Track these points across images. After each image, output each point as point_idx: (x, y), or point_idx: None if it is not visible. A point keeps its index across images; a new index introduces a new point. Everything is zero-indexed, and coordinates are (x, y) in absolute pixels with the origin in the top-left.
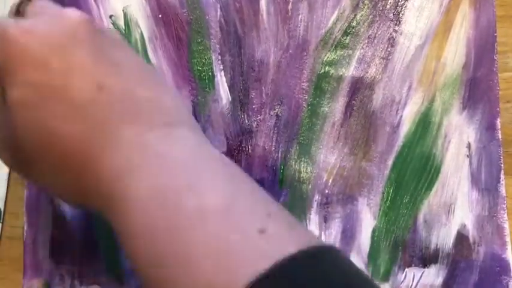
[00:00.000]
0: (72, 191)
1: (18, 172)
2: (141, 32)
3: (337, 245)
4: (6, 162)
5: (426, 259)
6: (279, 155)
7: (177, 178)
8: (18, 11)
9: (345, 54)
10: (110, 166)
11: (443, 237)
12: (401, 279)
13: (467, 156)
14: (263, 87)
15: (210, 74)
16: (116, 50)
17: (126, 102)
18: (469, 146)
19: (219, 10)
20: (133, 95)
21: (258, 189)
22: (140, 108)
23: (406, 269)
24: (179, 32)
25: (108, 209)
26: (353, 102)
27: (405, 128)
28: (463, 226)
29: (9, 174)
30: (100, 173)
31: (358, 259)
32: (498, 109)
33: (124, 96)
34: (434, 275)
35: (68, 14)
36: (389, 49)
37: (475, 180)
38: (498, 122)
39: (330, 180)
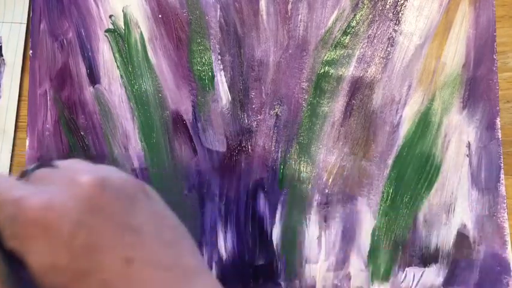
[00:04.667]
0: None
1: None
2: (141, 32)
3: (337, 244)
4: None
5: (426, 259)
6: (279, 154)
7: None
8: (24, 174)
9: (345, 54)
10: None
11: (444, 237)
12: (402, 279)
13: (467, 155)
14: (263, 87)
15: (210, 74)
16: (135, 209)
17: (155, 273)
18: (469, 146)
19: (219, 10)
20: (160, 263)
21: None
22: (167, 276)
23: (407, 269)
24: (179, 32)
25: None
26: (353, 101)
27: (405, 128)
28: (463, 226)
29: (9, 174)
30: None
31: (358, 259)
32: (498, 108)
33: (151, 266)
34: (434, 274)
35: (80, 181)
36: (389, 49)
37: (475, 179)
38: (498, 121)
39: (330, 180)
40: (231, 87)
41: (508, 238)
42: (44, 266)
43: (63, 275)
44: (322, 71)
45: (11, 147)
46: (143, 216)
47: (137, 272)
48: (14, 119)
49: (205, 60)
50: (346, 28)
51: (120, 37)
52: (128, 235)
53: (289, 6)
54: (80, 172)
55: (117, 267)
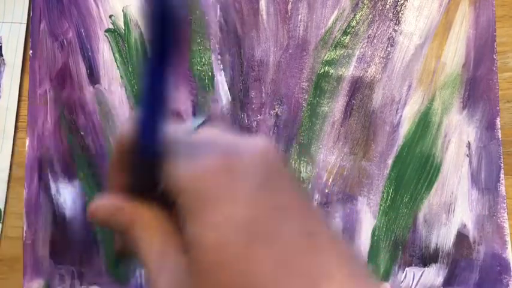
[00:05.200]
0: None
1: None
2: (141, 32)
3: None
4: None
5: (426, 258)
6: None
7: None
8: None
9: (345, 54)
10: None
11: (444, 237)
12: (402, 279)
13: (467, 155)
14: (263, 87)
15: (210, 73)
16: (301, 185)
17: (332, 247)
18: (469, 146)
19: (218, 10)
20: (337, 241)
21: None
22: (340, 247)
23: (406, 269)
24: None
25: None
26: (353, 101)
27: (405, 128)
28: (463, 225)
29: (9, 174)
30: None
31: None
32: (498, 108)
33: (330, 241)
34: (434, 274)
35: (263, 143)
36: (389, 49)
37: (475, 179)
38: (498, 121)
39: (330, 180)
40: (231, 87)
41: (508, 238)
42: (215, 233)
43: (239, 236)
44: (322, 71)
45: (11, 147)
46: (304, 188)
47: (318, 244)
48: (14, 119)
49: (205, 60)
50: (346, 28)
51: (120, 37)
52: (307, 206)
53: (289, 6)
54: (259, 138)
55: (299, 237)
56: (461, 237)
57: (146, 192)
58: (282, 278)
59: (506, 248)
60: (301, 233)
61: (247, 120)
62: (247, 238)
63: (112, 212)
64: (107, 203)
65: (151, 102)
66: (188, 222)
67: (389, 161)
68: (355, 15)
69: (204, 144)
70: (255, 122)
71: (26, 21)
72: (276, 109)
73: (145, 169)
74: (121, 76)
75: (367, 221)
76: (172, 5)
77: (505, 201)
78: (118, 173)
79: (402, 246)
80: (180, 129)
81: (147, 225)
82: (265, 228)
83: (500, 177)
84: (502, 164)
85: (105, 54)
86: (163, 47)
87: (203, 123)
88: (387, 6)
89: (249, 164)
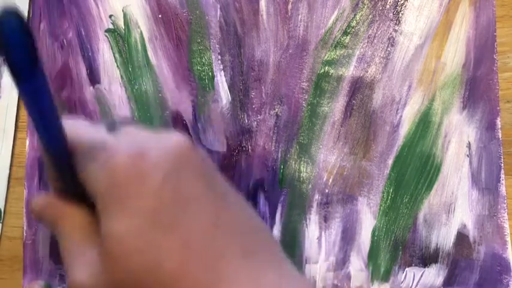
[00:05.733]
0: None
1: None
2: (141, 32)
3: (337, 244)
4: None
5: (426, 259)
6: (279, 154)
7: None
8: (112, 126)
9: (345, 54)
10: None
11: (444, 237)
12: (402, 279)
13: (467, 155)
14: (263, 87)
15: (210, 74)
16: (219, 179)
17: (238, 237)
18: (469, 146)
19: (218, 10)
20: (244, 229)
21: None
22: (250, 239)
23: (407, 269)
24: (179, 32)
25: None
26: (353, 101)
27: (405, 128)
28: (463, 226)
29: (9, 174)
30: None
31: (358, 259)
32: (498, 108)
33: (237, 230)
34: (434, 274)
35: (176, 138)
36: (389, 49)
37: (475, 179)
38: (498, 121)
39: (330, 180)
40: (231, 87)
41: (508, 238)
42: (125, 221)
43: (145, 225)
44: (322, 71)
45: (11, 147)
46: (226, 185)
47: (223, 234)
48: (14, 119)
49: (205, 60)
50: (346, 28)
51: (120, 37)
52: (218, 199)
53: (289, 6)
54: (178, 133)
55: (205, 225)
56: (462, 237)
57: (73, 191)
58: (185, 262)
59: (507, 248)
60: (206, 221)
61: (247, 120)
62: (153, 227)
63: (43, 208)
64: (40, 200)
65: (33, 112)
66: (102, 218)
67: (390, 161)
68: (355, 15)
69: (118, 142)
70: (255, 122)
71: None
72: (276, 109)
73: (60, 171)
74: (121, 76)
75: (367, 221)
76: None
77: (505, 201)
78: (51, 175)
79: (402, 246)
80: (93, 129)
81: (68, 221)
82: (170, 217)
83: (500, 177)
84: (502, 164)
85: (105, 54)
86: (14, 67)
87: (116, 123)
88: (387, 6)
89: (157, 158)
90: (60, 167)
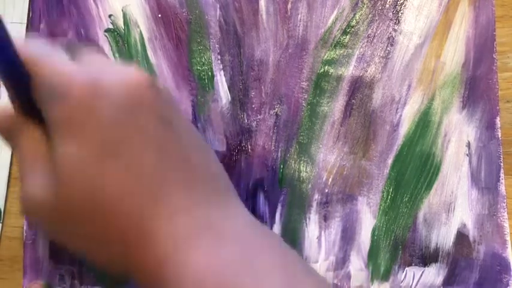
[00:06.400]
0: (112, 259)
1: (50, 232)
2: (141, 31)
3: (337, 244)
4: (40, 220)
5: (426, 258)
6: (279, 154)
7: (235, 258)
8: (71, 48)
9: (345, 54)
10: (165, 237)
11: (443, 236)
12: (402, 279)
13: (467, 155)
14: (262, 87)
15: (210, 73)
16: (173, 114)
17: (183, 170)
18: (468, 145)
19: (218, 10)
20: (190, 162)
21: (313, 273)
22: (196, 176)
23: (406, 268)
24: (179, 32)
25: (156, 285)
26: (353, 101)
27: (405, 127)
28: (463, 225)
29: (9, 174)
30: (152, 243)
31: (358, 258)
32: (498, 108)
33: (182, 164)
34: (434, 274)
35: (134, 74)
36: (388, 48)
37: (474, 179)
38: (498, 120)
39: (330, 180)
40: (231, 87)
41: (508, 238)
42: (76, 145)
43: (92, 154)
44: (322, 70)
45: None
46: (180, 121)
47: (166, 165)
48: None
49: (205, 60)
50: (345, 27)
51: (120, 37)
52: (167, 132)
53: (289, 6)
54: (136, 69)
55: (148, 154)
56: (461, 236)
57: (29, 111)
58: (125, 186)
59: (507, 247)
60: (150, 152)
61: (247, 119)
62: (100, 157)
63: (2, 119)
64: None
65: None
66: (54, 141)
67: (389, 161)
68: (354, 14)
69: (76, 71)
70: (255, 122)
71: (25, 21)
72: (276, 109)
73: (18, 94)
74: None
75: (367, 220)
76: None
77: (505, 200)
78: (10, 95)
79: (402, 245)
80: (54, 56)
81: (25, 136)
82: (116, 148)
83: (500, 176)
84: (501, 164)
85: None
86: None
87: (78, 49)
88: (387, 5)
89: (112, 93)
90: (18, 92)
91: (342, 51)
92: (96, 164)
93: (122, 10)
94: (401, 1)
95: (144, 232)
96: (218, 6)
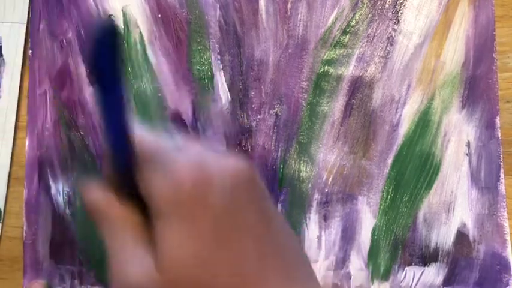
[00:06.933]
0: None
1: None
2: (141, 32)
3: (337, 243)
4: None
5: (426, 258)
6: (279, 154)
7: None
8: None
9: (344, 53)
10: None
11: (443, 236)
12: (402, 278)
13: (467, 154)
14: (262, 87)
15: (210, 73)
16: (268, 204)
17: (279, 257)
18: (468, 145)
19: (218, 10)
20: (284, 249)
21: None
22: (289, 262)
23: (406, 268)
24: (178, 32)
25: None
26: (352, 101)
27: (405, 127)
28: (463, 224)
29: (9, 174)
30: None
31: (358, 258)
32: (498, 107)
33: (277, 251)
34: (434, 273)
35: (240, 164)
36: (388, 48)
37: (474, 178)
38: (498, 120)
39: (330, 179)
40: (231, 87)
41: (507, 237)
42: (186, 234)
43: (202, 244)
44: (322, 70)
45: (11, 147)
46: (272, 209)
47: (269, 261)
48: (14, 119)
49: (205, 60)
50: (345, 27)
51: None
52: (263, 218)
53: (289, 6)
54: (238, 158)
55: (253, 253)
56: (461, 236)
57: (125, 192)
58: (236, 277)
59: (506, 247)
60: (256, 248)
61: (247, 119)
62: (209, 248)
63: (98, 201)
64: (96, 193)
65: (111, 124)
66: (159, 225)
67: (389, 160)
68: (354, 14)
69: (182, 158)
70: (255, 122)
71: (25, 21)
72: (276, 109)
73: (119, 172)
74: None
75: (367, 220)
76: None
77: (504, 200)
78: (107, 173)
79: (402, 245)
80: (159, 138)
81: (122, 220)
82: (229, 235)
83: (500, 176)
84: (501, 163)
85: None
86: (103, 72)
87: (179, 137)
88: (386, 5)
89: (221, 182)
90: (119, 169)
91: (341, 51)
92: (206, 255)
93: (122, 10)
94: (401, 1)
95: None
96: (218, 6)
